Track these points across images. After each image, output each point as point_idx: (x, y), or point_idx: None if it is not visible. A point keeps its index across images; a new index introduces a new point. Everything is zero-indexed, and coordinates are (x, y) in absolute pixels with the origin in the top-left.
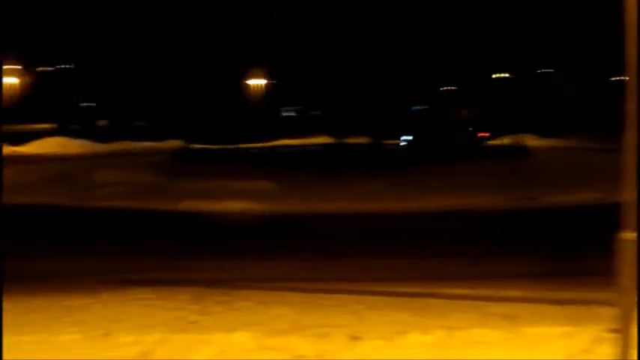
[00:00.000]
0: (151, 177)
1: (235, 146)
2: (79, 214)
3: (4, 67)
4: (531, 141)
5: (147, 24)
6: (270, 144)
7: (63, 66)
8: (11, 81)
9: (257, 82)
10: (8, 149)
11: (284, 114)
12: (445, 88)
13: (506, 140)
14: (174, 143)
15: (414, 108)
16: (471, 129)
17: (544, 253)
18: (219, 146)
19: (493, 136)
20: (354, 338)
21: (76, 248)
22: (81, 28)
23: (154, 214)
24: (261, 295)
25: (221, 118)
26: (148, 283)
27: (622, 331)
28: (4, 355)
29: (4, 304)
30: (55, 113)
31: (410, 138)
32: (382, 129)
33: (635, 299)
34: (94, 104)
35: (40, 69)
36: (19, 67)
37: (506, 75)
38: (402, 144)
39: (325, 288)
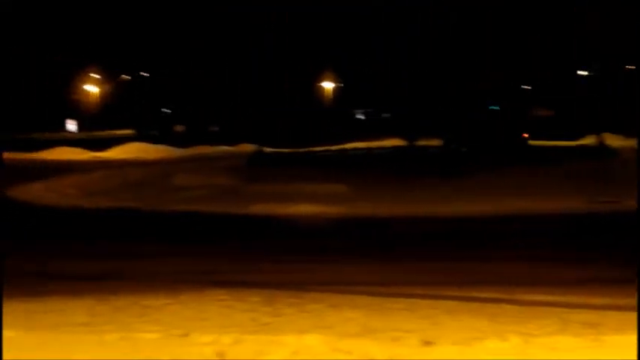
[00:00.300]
0: (227, 181)
1: (307, 149)
2: (159, 217)
3: (89, 75)
4: (614, 141)
5: (220, 31)
6: (341, 147)
7: (141, 74)
8: (93, 90)
9: (328, 85)
10: (90, 155)
11: (356, 117)
12: (523, 87)
13: (587, 140)
14: (248, 147)
15: (490, 107)
16: (513, 129)
17: (624, 258)
18: (292, 149)
19: (576, 136)
20: (427, 343)
21: (156, 250)
22: (158, 37)
23: (229, 217)
24: (332, 297)
25: (293, 122)
26: (223, 284)
27: None
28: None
29: (90, 304)
30: (135, 120)
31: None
32: (454, 131)
33: None
34: (170, 110)
35: (121, 78)
36: (99, 76)
37: (587, 73)
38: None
39: (396, 292)
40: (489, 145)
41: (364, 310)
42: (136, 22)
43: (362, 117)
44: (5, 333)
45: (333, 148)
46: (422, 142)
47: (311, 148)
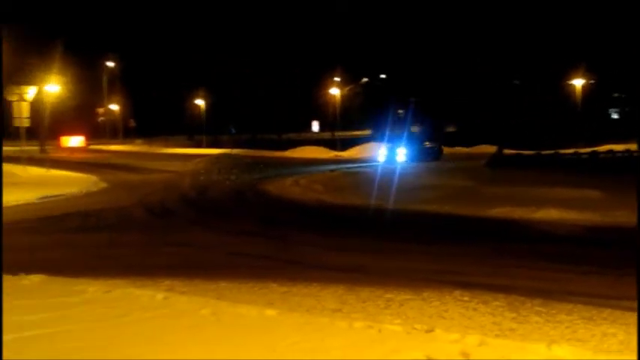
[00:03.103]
0: (465, 182)
1: (553, 151)
2: (399, 215)
3: (333, 78)
4: None
5: (459, 29)
6: (593, 149)
7: (380, 76)
8: (336, 92)
9: (578, 82)
10: (332, 154)
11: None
12: None
13: None
14: (487, 148)
15: None
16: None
17: None
18: (535, 151)
19: None
20: None
21: (399, 247)
22: (395, 41)
23: (469, 219)
24: (584, 310)
25: (537, 122)
26: (465, 285)
27: None
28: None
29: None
30: (372, 121)
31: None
32: None
33: None
34: (403, 111)
35: (361, 80)
36: (342, 79)
37: None
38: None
39: None
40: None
41: (624, 326)
42: (375, 26)
43: (617, 116)
44: (266, 312)
45: (583, 150)
46: None
47: (558, 150)
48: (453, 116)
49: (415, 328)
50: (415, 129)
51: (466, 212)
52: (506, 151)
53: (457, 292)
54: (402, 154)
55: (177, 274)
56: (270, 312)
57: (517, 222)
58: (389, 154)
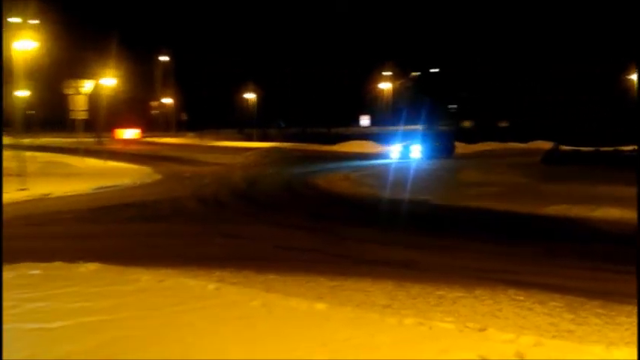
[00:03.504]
0: (519, 178)
1: (613, 148)
2: (450, 211)
3: (383, 72)
4: None
5: (506, 24)
6: None
7: (430, 70)
8: (386, 86)
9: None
10: (381, 148)
11: None
12: None
13: None
14: (542, 144)
15: None
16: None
17: None
18: (594, 148)
19: None
20: None
21: (450, 243)
22: (446, 33)
23: (524, 216)
24: None
25: (596, 118)
26: (519, 284)
27: None
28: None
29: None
30: (422, 115)
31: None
32: None
33: None
34: (456, 106)
35: (411, 75)
36: (392, 73)
37: None
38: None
39: None
40: None
41: None
42: (427, 19)
43: None
44: (316, 306)
45: None
46: None
47: (618, 147)
48: (506, 111)
49: (468, 327)
50: (467, 124)
51: (521, 210)
52: (563, 147)
53: (511, 291)
54: (416, 150)
55: (228, 265)
56: (320, 306)
57: (574, 220)
58: (403, 151)
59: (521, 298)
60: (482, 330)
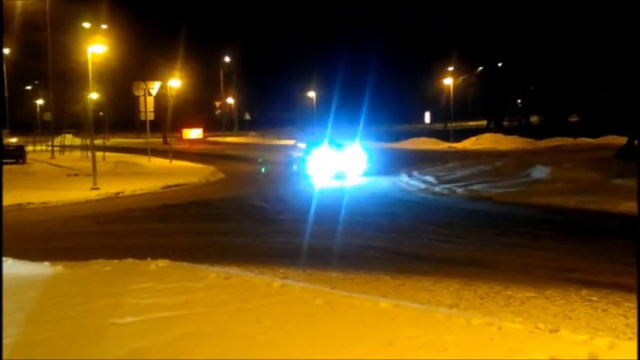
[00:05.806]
0: (591, 175)
1: None
2: (517, 208)
3: (446, 68)
4: None
5: (577, 16)
6: None
7: (497, 65)
8: (449, 82)
9: None
10: (445, 145)
11: None
12: None
13: None
14: (614, 139)
15: None
16: None
17: None
18: None
19: None
20: None
21: (515, 242)
22: (510, 27)
23: (596, 213)
24: None
25: None
26: (592, 284)
27: None
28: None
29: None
30: (489, 111)
31: None
32: None
33: None
34: (521, 100)
35: (476, 70)
36: (456, 69)
37: None
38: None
39: None
40: None
41: None
42: (492, 13)
43: None
44: (380, 304)
45: None
46: None
47: None
48: (575, 105)
49: (538, 328)
50: (535, 119)
51: (593, 207)
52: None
53: (584, 292)
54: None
55: (290, 263)
56: (385, 304)
57: None
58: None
59: (595, 298)
60: (553, 331)
